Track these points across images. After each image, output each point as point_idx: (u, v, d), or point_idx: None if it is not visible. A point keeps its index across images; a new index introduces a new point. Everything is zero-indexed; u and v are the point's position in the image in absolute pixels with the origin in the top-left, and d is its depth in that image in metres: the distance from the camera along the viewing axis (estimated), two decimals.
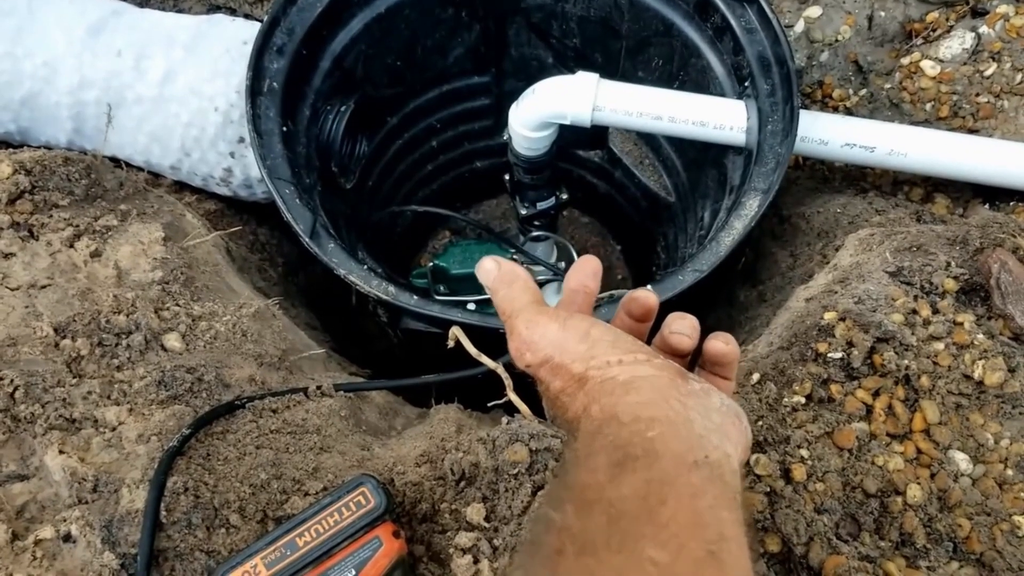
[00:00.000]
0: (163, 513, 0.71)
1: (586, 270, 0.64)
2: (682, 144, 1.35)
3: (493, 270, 0.63)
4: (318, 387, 0.88)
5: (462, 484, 0.76)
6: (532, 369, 0.57)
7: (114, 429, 0.79)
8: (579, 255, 1.60)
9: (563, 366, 0.54)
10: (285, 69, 1.12)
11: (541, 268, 1.42)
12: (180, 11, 1.40)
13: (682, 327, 0.59)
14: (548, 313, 0.58)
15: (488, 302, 1.34)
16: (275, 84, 1.10)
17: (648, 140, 1.45)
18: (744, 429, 0.53)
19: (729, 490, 0.46)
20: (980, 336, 0.84)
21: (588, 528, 0.43)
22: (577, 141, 1.41)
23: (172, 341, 0.86)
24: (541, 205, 1.37)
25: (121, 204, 1.00)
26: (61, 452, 0.75)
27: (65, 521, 0.71)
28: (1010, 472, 0.79)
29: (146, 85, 1.21)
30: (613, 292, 0.95)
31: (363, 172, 1.35)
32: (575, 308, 0.63)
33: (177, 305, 0.90)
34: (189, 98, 1.21)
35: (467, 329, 0.94)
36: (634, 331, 0.61)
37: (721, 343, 0.58)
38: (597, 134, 1.38)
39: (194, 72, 1.22)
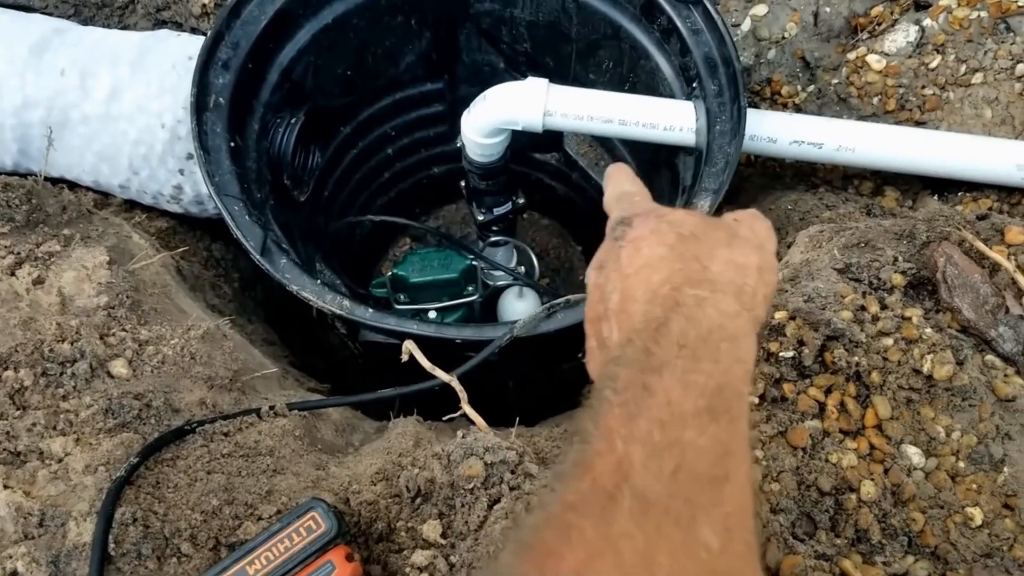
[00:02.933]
0: (112, 545, 0.70)
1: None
2: (635, 146, 1.35)
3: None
4: (271, 407, 0.87)
5: (418, 501, 0.76)
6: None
7: (60, 461, 0.77)
8: (539, 258, 1.60)
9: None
10: (231, 84, 1.10)
11: (501, 273, 1.42)
12: (125, 27, 1.38)
13: None
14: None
15: (448, 310, 1.34)
16: (221, 99, 1.09)
17: (603, 142, 1.45)
18: (770, 278, 0.55)
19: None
20: (928, 330, 0.85)
21: (653, 474, 0.39)
22: (532, 144, 1.41)
23: (118, 367, 0.85)
24: (498, 210, 1.37)
25: (64, 229, 0.98)
26: (6, 487, 0.74)
27: (11, 558, 0.70)
28: (962, 464, 0.80)
29: (92, 103, 1.19)
30: (569, 297, 0.95)
31: (318, 183, 1.34)
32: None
33: (123, 330, 0.88)
34: (136, 115, 1.20)
35: (422, 341, 0.94)
36: None
37: None
38: (552, 137, 1.38)
39: (140, 89, 1.20)
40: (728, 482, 0.40)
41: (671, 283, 0.49)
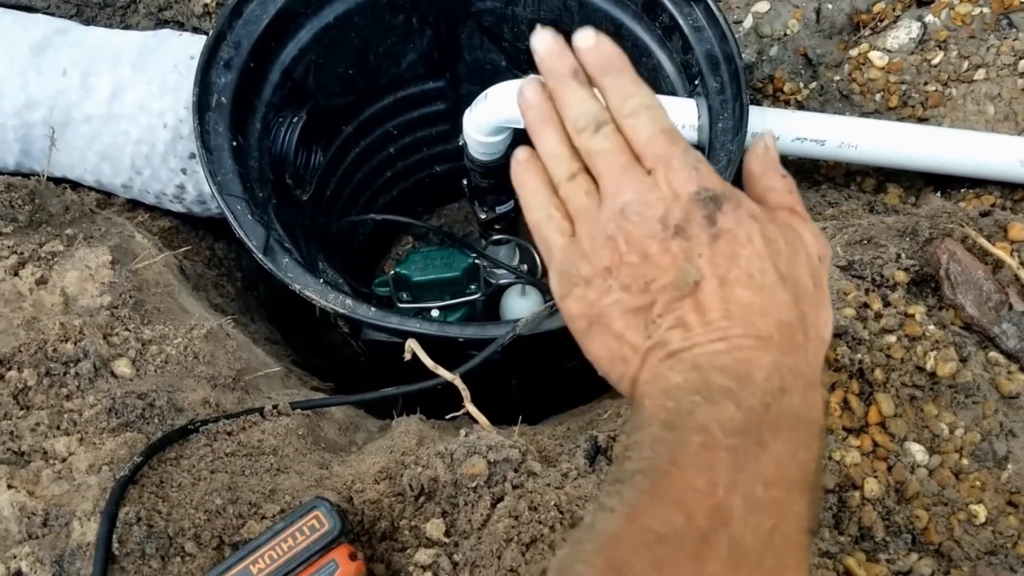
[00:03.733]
0: (115, 545, 0.70)
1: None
2: None
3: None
4: (274, 406, 0.87)
5: (421, 500, 0.76)
6: None
7: (64, 460, 0.77)
8: (542, 257, 1.60)
9: None
10: (233, 83, 1.10)
11: (503, 271, 1.41)
12: (127, 27, 1.38)
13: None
14: None
15: (450, 309, 1.34)
16: (223, 99, 1.09)
17: None
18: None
19: None
20: (931, 327, 0.85)
21: (749, 527, 0.39)
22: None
23: (122, 367, 0.85)
24: (500, 209, 1.37)
25: (67, 228, 0.98)
26: (10, 487, 0.74)
27: (15, 558, 0.70)
28: (965, 461, 0.80)
29: (94, 103, 1.20)
30: None
31: (320, 182, 1.34)
32: None
33: (126, 330, 0.88)
34: (138, 115, 1.20)
35: (425, 339, 0.94)
36: None
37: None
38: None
39: (142, 88, 1.20)
40: (806, 551, 0.41)
41: (783, 342, 0.47)
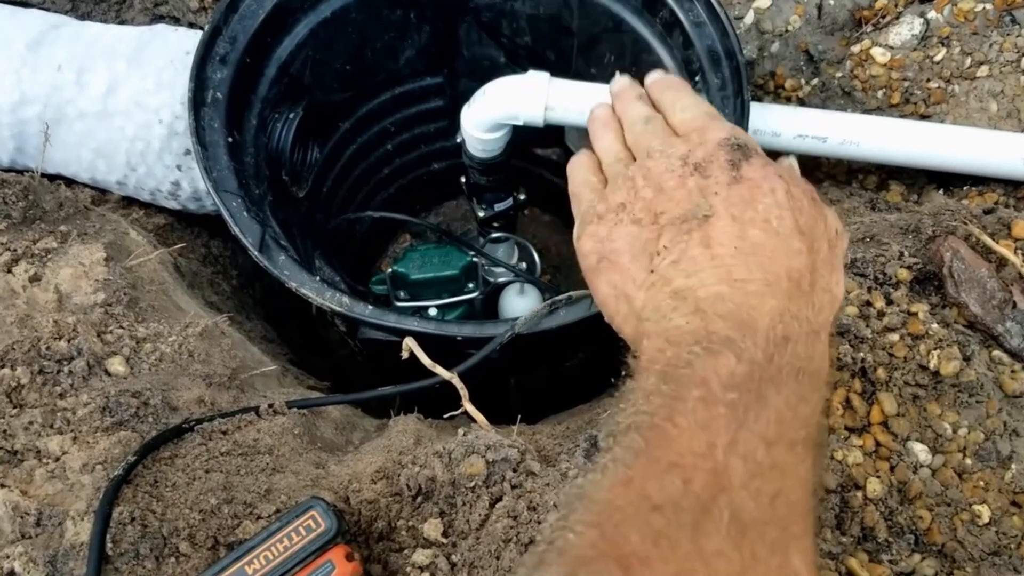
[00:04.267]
0: (109, 545, 0.69)
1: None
2: None
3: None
4: (270, 405, 0.86)
5: (419, 499, 0.75)
6: None
7: (57, 459, 0.76)
8: (540, 255, 1.59)
9: None
10: (229, 79, 1.09)
11: (502, 270, 1.41)
12: (122, 22, 1.37)
13: None
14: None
15: (448, 307, 1.33)
16: (219, 94, 1.08)
17: None
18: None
19: None
20: (935, 326, 0.84)
21: (750, 493, 0.37)
22: (533, 139, 1.40)
23: (116, 365, 0.84)
24: (499, 206, 1.36)
25: (61, 225, 0.97)
26: (3, 486, 0.73)
27: (8, 558, 0.69)
28: (968, 461, 0.79)
29: (88, 99, 1.18)
30: (571, 294, 0.94)
31: (317, 179, 1.33)
32: None
33: (121, 328, 0.87)
34: (133, 111, 1.19)
35: (423, 338, 0.93)
36: None
37: None
38: (553, 132, 1.37)
39: (137, 84, 1.19)
40: (811, 515, 0.39)
41: (791, 287, 0.47)
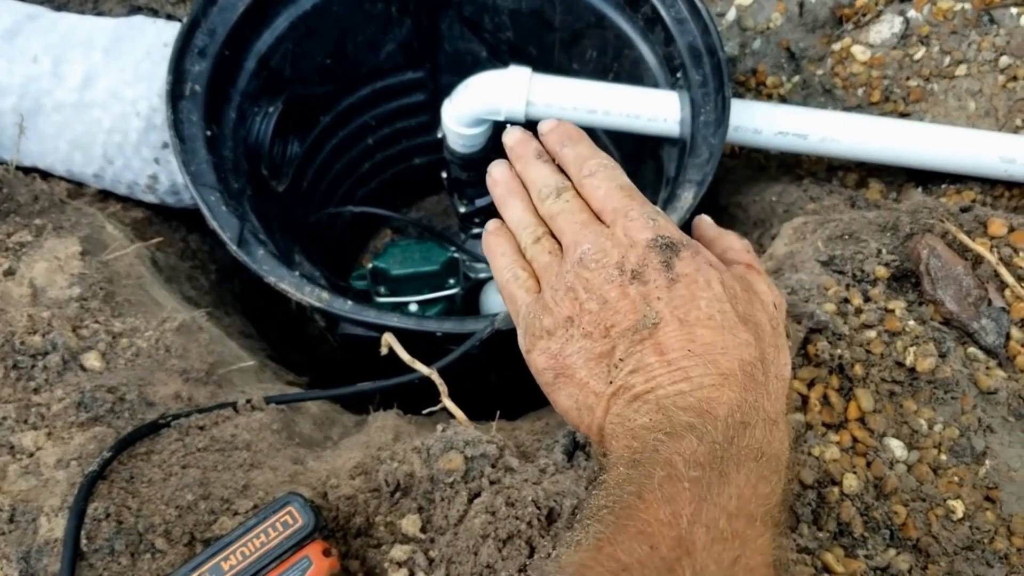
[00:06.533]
0: (84, 541, 0.68)
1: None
2: (620, 136, 1.34)
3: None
4: (248, 401, 0.85)
5: (397, 495, 0.75)
6: None
7: (31, 455, 0.75)
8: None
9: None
10: (208, 71, 1.09)
11: (483, 265, 1.40)
12: (100, 13, 1.35)
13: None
14: None
15: (429, 303, 1.33)
16: (197, 87, 1.07)
17: (587, 133, 1.43)
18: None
19: None
20: (911, 323, 0.85)
21: (712, 557, 0.39)
22: None
23: (91, 360, 0.83)
24: (480, 202, 1.36)
25: (36, 219, 0.96)
26: None
27: None
28: (944, 457, 0.80)
29: (65, 91, 1.17)
30: None
31: (297, 173, 1.32)
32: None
33: (96, 322, 0.86)
34: (110, 103, 1.17)
35: (403, 334, 0.93)
36: None
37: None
38: (535, 127, 1.36)
39: (115, 76, 1.18)
40: None
41: (743, 379, 0.48)
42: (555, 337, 0.55)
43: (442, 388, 0.85)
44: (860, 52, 1.24)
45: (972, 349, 0.86)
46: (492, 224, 0.67)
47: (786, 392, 0.52)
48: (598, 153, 0.64)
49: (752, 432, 0.45)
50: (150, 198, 1.23)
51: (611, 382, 0.52)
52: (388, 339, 0.89)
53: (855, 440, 0.80)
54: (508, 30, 1.33)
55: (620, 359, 0.51)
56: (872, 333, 0.84)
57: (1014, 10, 1.17)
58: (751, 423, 0.46)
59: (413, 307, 1.33)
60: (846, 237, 0.94)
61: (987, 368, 0.84)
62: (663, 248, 0.53)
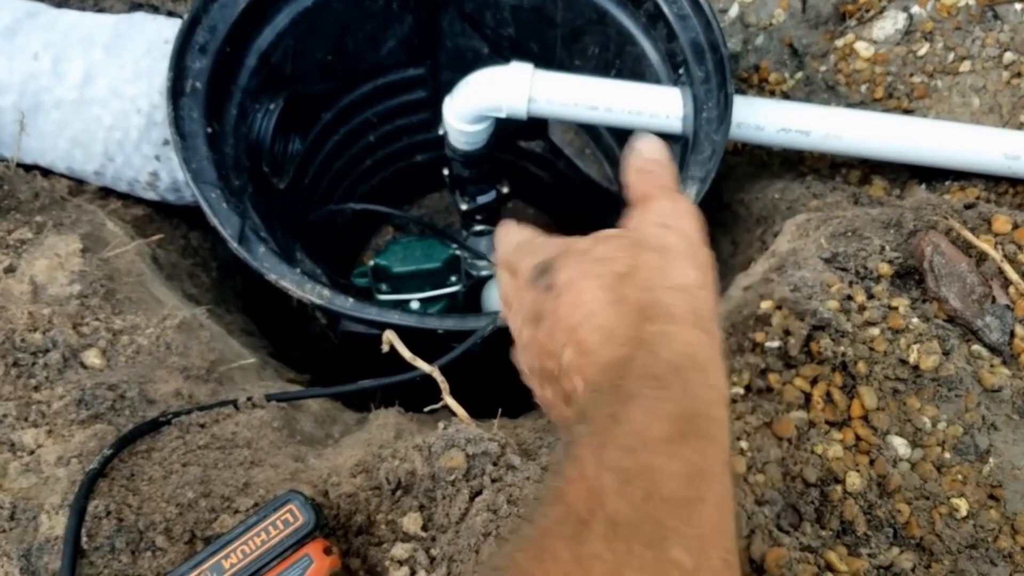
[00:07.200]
0: (84, 539, 0.68)
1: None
2: (622, 133, 1.33)
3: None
4: (248, 398, 0.85)
5: (398, 493, 0.75)
6: None
7: (32, 453, 0.75)
8: None
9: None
10: (208, 68, 1.08)
11: (485, 263, 1.40)
12: (100, 10, 1.35)
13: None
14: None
15: (431, 300, 1.32)
16: (198, 84, 1.07)
17: (589, 129, 1.43)
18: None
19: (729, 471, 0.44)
20: (915, 320, 0.84)
21: (624, 499, 0.39)
22: (516, 131, 1.40)
23: (92, 357, 0.83)
24: (481, 199, 1.36)
25: (36, 216, 0.95)
26: None
27: None
28: (947, 455, 0.79)
29: (65, 88, 1.17)
30: None
31: (298, 171, 1.32)
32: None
33: (97, 319, 0.86)
34: (110, 100, 1.17)
35: (404, 331, 0.93)
36: None
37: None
38: (537, 124, 1.36)
39: (115, 73, 1.17)
40: (703, 502, 0.40)
41: (628, 323, 0.48)
42: (537, 386, 0.59)
43: (444, 386, 0.85)
44: (863, 48, 1.24)
45: (976, 346, 0.85)
46: None
47: (706, 290, 0.51)
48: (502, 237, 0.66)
49: (640, 360, 0.45)
50: (151, 195, 1.22)
51: (569, 406, 0.53)
52: (389, 336, 0.88)
53: (858, 438, 0.80)
54: (509, 26, 1.32)
55: (568, 391, 0.52)
56: (875, 330, 0.84)
57: (1018, 6, 1.16)
58: (636, 356, 0.46)
59: (414, 304, 1.32)
60: (849, 234, 0.93)
61: (991, 366, 0.84)
62: (538, 275, 0.55)
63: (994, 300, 0.86)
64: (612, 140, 1.39)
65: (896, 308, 0.85)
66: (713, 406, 0.44)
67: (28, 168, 1.16)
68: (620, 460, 0.40)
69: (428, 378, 0.87)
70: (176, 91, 1.03)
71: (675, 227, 0.54)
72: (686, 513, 0.39)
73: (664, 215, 0.55)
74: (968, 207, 0.96)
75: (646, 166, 0.59)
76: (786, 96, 1.30)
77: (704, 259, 0.54)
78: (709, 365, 0.46)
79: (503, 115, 1.12)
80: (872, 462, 0.78)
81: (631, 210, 0.57)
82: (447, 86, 1.22)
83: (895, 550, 0.75)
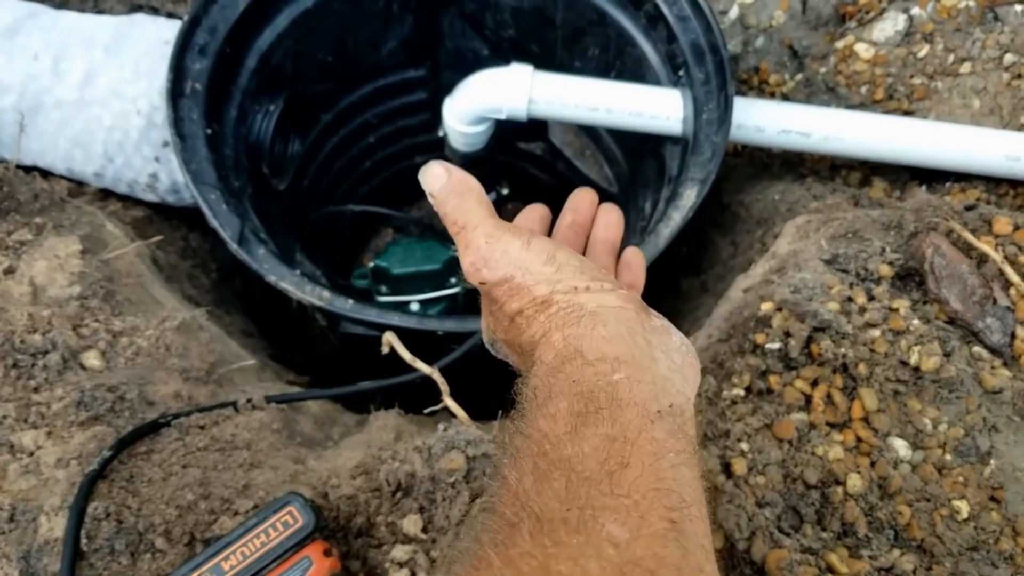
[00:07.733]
0: (84, 540, 0.68)
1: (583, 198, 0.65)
2: (621, 134, 1.33)
3: (442, 176, 0.56)
4: (248, 400, 0.85)
5: (398, 495, 0.74)
6: (487, 287, 0.53)
7: (31, 454, 0.75)
8: None
9: (524, 287, 0.50)
10: (208, 69, 1.08)
11: None
12: (101, 11, 1.35)
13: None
14: (511, 229, 0.52)
15: (431, 302, 1.32)
16: (198, 85, 1.07)
17: (588, 131, 1.43)
18: (698, 369, 0.52)
19: (690, 443, 0.44)
20: (916, 321, 0.84)
21: (545, 494, 0.40)
22: (516, 133, 1.39)
23: (91, 359, 0.83)
24: None
25: (36, 217, 0.95)
26: None
27: None
28: (948, 457, 0.79)
29: (65, 88, 1.17)
30: None
31: (298, 172, 1.32)
32: (536, 231, 0.59)
33: (96, 321, 0.86)
34: (111, 100, 1.17)
35: (404, 333, 0.93)
36: (574, 246, 0.61)
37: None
38: (537, 125, 1.36)
39: (115, 73, 1.17)
40: (627, 468, 0.40)
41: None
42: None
43: (444, 387, 0.85)
44: (864, 50, 1.24)
45: (977, 348, 0.85)
46: None
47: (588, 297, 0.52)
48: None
49: (533, 383, 0.47)
50: (150, 196, 1.22)
51: None
52: (389, 338, 0.88)
53: (859, 440, 0.80)
54: (510, 27, 1.32)
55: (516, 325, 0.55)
56: (876, 332, 0.83)
57: (1019, 8, 1.16)
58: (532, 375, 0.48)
59: (414, 306, 1.32)
60: (849, 236, 0.93)
61: (992, 367, 0.84)
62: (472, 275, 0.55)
63: (995, 302, 0.86)
64: (612, 141, 1.39)
65: (897, 310, 0.85)
66: (606, 376, 0.45)
67: (28, 169, 1.16)
68: (536, 464, 0.42)
69: (428, 380, 0.87)
70: (176, 92, 1.03)
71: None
72: (612, 485, 0.40)
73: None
74: (969, 209, 0.96)
75: None
76: (786, 98, 1.30)
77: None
78: (585, 343, 0.47)
79: (503, 116, 1.12)
80: (873, 464, 0.78)
81: None
82: (447, 87, 1.22)
83: (896, 552, 0.74)
